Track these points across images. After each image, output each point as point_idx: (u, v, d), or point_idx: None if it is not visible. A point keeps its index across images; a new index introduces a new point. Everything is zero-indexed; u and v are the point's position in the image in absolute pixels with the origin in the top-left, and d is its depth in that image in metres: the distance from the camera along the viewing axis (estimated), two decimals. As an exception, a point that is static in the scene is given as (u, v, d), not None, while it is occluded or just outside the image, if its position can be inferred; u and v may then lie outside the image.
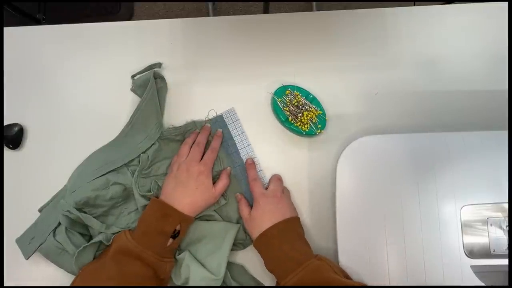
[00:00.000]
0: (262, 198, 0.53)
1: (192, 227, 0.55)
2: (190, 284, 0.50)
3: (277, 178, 0.57)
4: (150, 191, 0.56)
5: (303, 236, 0.53)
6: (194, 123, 0.60)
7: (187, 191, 0.52)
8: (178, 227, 0.51)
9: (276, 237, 0.50)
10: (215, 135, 0.59)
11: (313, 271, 0.47)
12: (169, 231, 0.50)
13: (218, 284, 0.50)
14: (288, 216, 0.52)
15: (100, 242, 0.52)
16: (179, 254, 0.53)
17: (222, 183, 0.55)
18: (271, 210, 0.52)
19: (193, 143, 0.57)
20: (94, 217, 0.54)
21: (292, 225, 0.52)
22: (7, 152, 0.60)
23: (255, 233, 0.52)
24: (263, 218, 0.52)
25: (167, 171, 0.58)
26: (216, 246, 0.53)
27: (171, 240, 0.51)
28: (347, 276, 0.49)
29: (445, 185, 0.52)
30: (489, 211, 0.51)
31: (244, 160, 0.59)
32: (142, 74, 0.61)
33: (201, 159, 0.56)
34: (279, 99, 0.59)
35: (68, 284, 0.50)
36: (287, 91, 0.60)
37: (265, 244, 0.51)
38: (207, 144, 0.58)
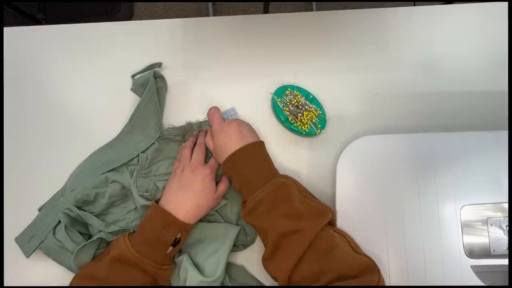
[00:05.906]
0: (220, 127, 0.54)
1: (193, 229, 0.54)
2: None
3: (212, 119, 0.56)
4: (148, 192, 0.56)
5: (269, 158, 0.54)
6: (191, 124, 0.60)
7: (191, 194, 0.52)
8: (178, 235, 0.51)
9: (242, 159, 0.51)
10: None
11: (279, 186, 0.48)
12: (170, 240, 0.50)
13: (216, 284, 0.50)
14: (251, 141, 0.52)
15: (100, 240, 0.53)
16: (178, 256, 0.53)
17: (224, 185, 0.55)
18: (230, 136, 0.52)
19: (193, 146, 0.57)
20: (94, 216, 0.54)
21: (258, 148, 0.53)
22: (7, 152, 0.60)
23: (222, 160, 0.52)
24: (227, 145, 0.52)
25: (166, 172, 0.58)
26: (216, 248, 0.53)
27: (171, 247, 0.50)
28: (311, 198, 0.51)
29: (445, 185, 0.52)
30: (489, 211, 0.51)
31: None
32: (142, 74, 0.61)
33: (205, 160, 0.56)
34: (279, 99, 0.59)
35: (68, 284, 0.50)
36: (287, 91, 0.60)
37: (232, 165, 0.51)
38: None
